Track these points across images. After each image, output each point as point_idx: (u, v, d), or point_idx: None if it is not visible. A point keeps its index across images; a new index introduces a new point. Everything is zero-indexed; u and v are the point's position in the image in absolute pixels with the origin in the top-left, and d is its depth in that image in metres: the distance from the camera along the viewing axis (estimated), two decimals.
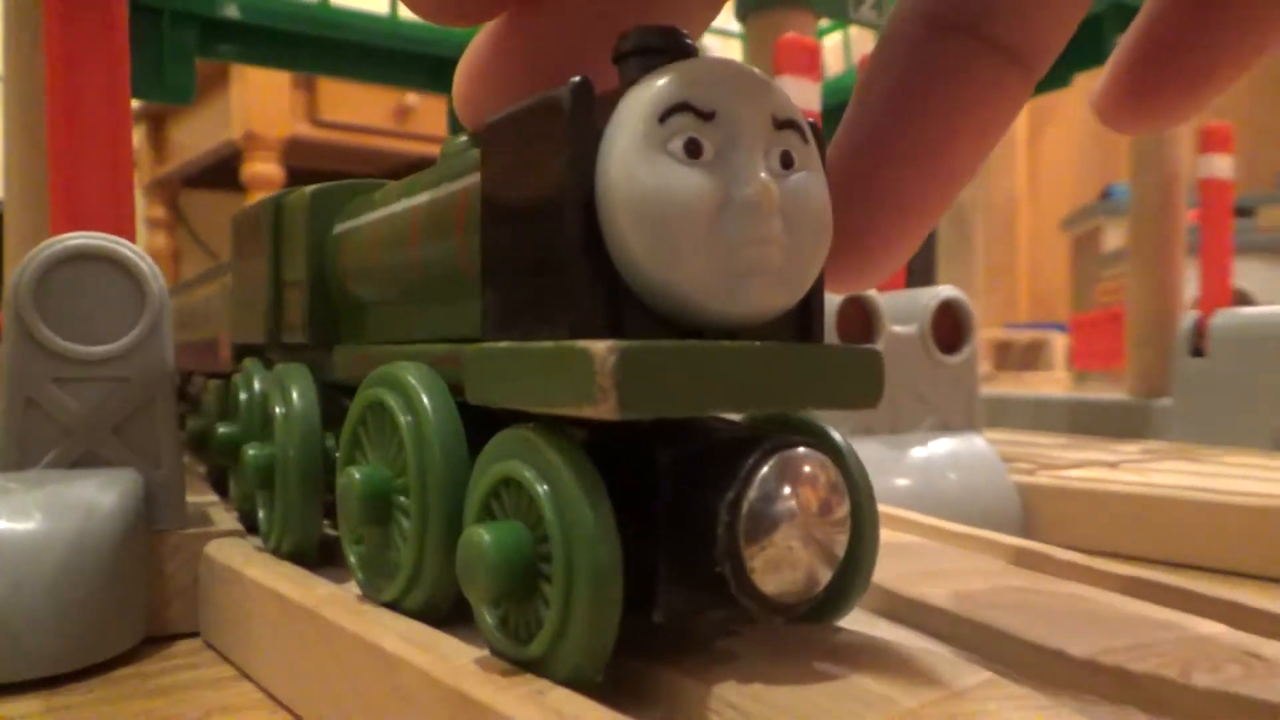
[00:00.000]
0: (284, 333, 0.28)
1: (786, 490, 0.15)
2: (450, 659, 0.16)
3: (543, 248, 0.16)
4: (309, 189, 0.27)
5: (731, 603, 0.15)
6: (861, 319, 0.41)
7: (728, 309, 0.15)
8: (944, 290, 0.42)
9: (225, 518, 0.29)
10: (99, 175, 0.32)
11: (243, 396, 0.29)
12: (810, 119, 0.17)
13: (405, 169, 0.28)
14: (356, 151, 1.51)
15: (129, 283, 0.26)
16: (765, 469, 0.15)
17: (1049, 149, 2.81)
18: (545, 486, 0.15)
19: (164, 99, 0.58)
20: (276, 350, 0.29)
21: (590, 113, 0.15)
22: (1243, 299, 1.40)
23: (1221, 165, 0.60)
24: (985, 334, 2.37)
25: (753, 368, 0.15)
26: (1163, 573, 0.21)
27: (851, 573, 0.17)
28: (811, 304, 0.17)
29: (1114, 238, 1.69)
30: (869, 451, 0.40)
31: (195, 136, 1.51)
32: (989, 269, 2.90)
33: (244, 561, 0.24)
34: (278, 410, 0.25)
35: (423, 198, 0.22)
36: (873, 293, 0.41)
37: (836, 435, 0.18)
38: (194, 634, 0.27)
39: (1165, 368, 0.61)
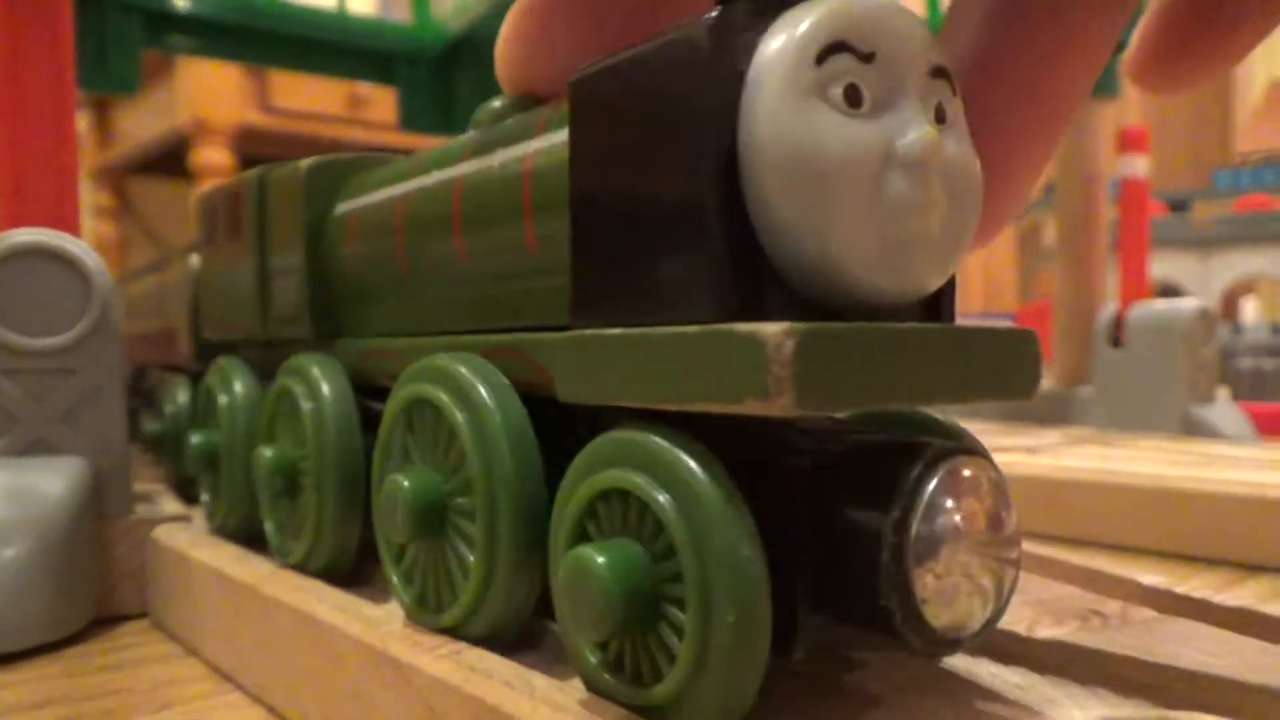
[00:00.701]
0: (273, 326, 0.25)
1: (959, 504, 0.13)
2: (378, 625, 0.18)
3: (668, 215, 0.13)
4: (304, 162, 0.24)
5: (888, 638, 0.13)
6: None
7: (887, 283, 0.13)
8: None
9: (171, 503, 0.30)
10: (43, 167, 0.33)
11: (222, 400, 0.26)
12: None
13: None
14: (310, 140, 1.50)
15: (75, 277, 0.27)
16: (934, 481, 0.13)
17: None
18: (667, 496, 0.13)
19: (108, 89, 0.58)
20: (260, 347, 0.27)
21: (733, 53, 0.13)
22: (1173, 290, 1.45)
23: (1138, 165, 0.63)
24: None
25: (928, 353, 0.13)
26: (1059, 549, 0.23)
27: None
28: (945, 285, 0.15)
29: (1054, 232, 1.74)
30: None
31: (142, 123, 1.49)
32: None
33: (190, 544, 0.26)
34: (305, 407, 0.21)
35: (463, 169, 0.19)
36: None
37: (960, 429, 0.16)
38: (142, 615, 0.28)
39: (1087, 358, 0.64)
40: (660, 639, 0.13)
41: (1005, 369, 0.14)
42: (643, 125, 0.14)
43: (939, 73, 0.14)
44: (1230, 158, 2.30)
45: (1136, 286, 0.64)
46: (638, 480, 0.13)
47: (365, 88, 1.46)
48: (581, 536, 0.14)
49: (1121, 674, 0.16)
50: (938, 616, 0.13)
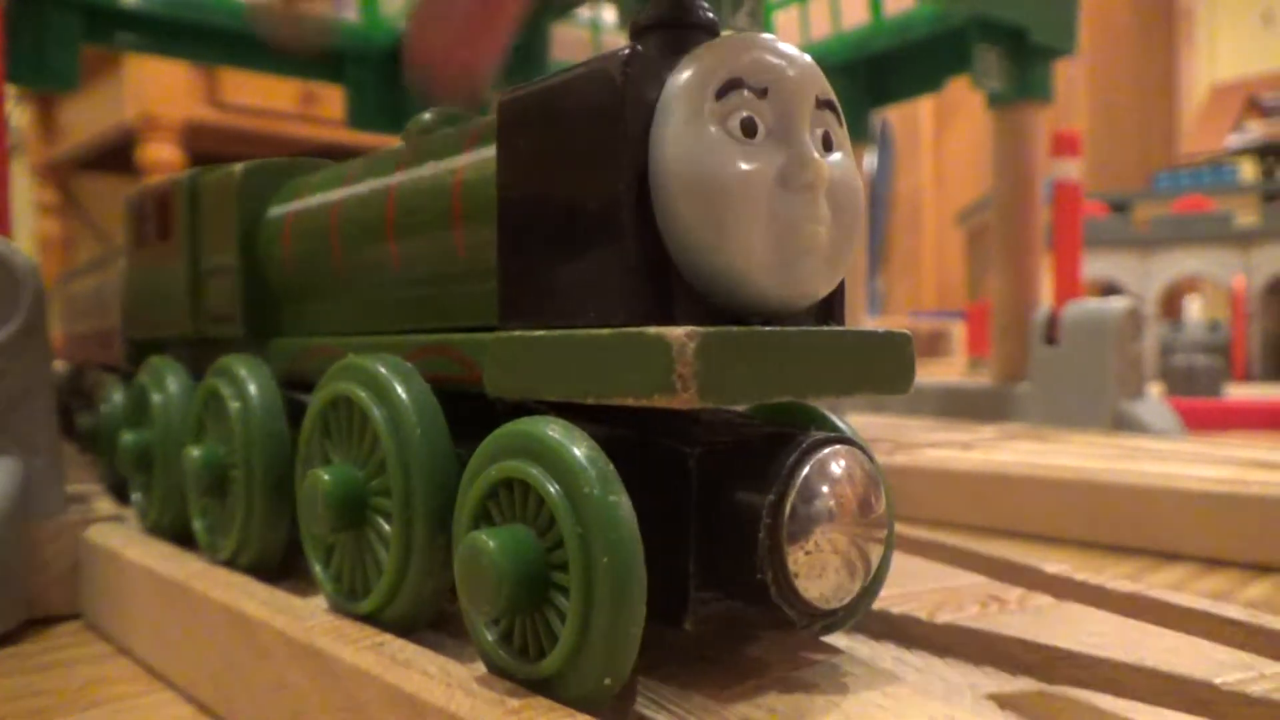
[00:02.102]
0: (205, 325, 0.26)
1: (829, 489, 0.14)
2: (304, 619, 0.18)
3: (586, 228, 0.15)
4: (238, 166, 0.25)
5: (766, 610, 0.14)
6: None
7: (781, 291, 0.15)
8: None
9: (104, 503, 0.30)
10: None
11: (155, 399, 0.26)
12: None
13: (313, 155, 0.26)
14: (260, 136, 1.48)
15: (3, 278, 0.27)
16: (808, 467, 0.14)
17: (953, 145, 2.92)
18: (556, 486, 0.14)
19: (46, 85, 0.57)
20: (191, 346, 0.27)
21: (644, 85, 0.14)
22: (1114, 289, 1.49)
23: (1070, 169, 0.65)
24: (892, 322, 2.46)
25: (818, 353, 0.15)
26: (985, 540, 0.24)
27: (876, 577, 0.16)
28: (836, 291, 0.17)
29: None
30: None
31: (88, 118, 1.46)
32: (897, 259, 2.99)
33: (123, 544, 0.26)
34: (233, 406, 0.22)
35: (398, 178, 0.20)
36: None
37: (845, 424, 0.17)
38: (75, 616, 0.28)
39: (1024, 355, 0.66)
40: (546, 619, 0.14)
41: (884, 367, 0.16)
42: (564, 145, 0.15)
43: (826, 105, 0.15)
44: (1174, 160, 2.36)
45: (1070, 286, 0.66)
46: (533, 472, 0.14)
47: (316, 84, 1.44)
48: (483, 520, 0.15)
49: (1011, 654, 0.17)
50: (809, 589, 0.14)
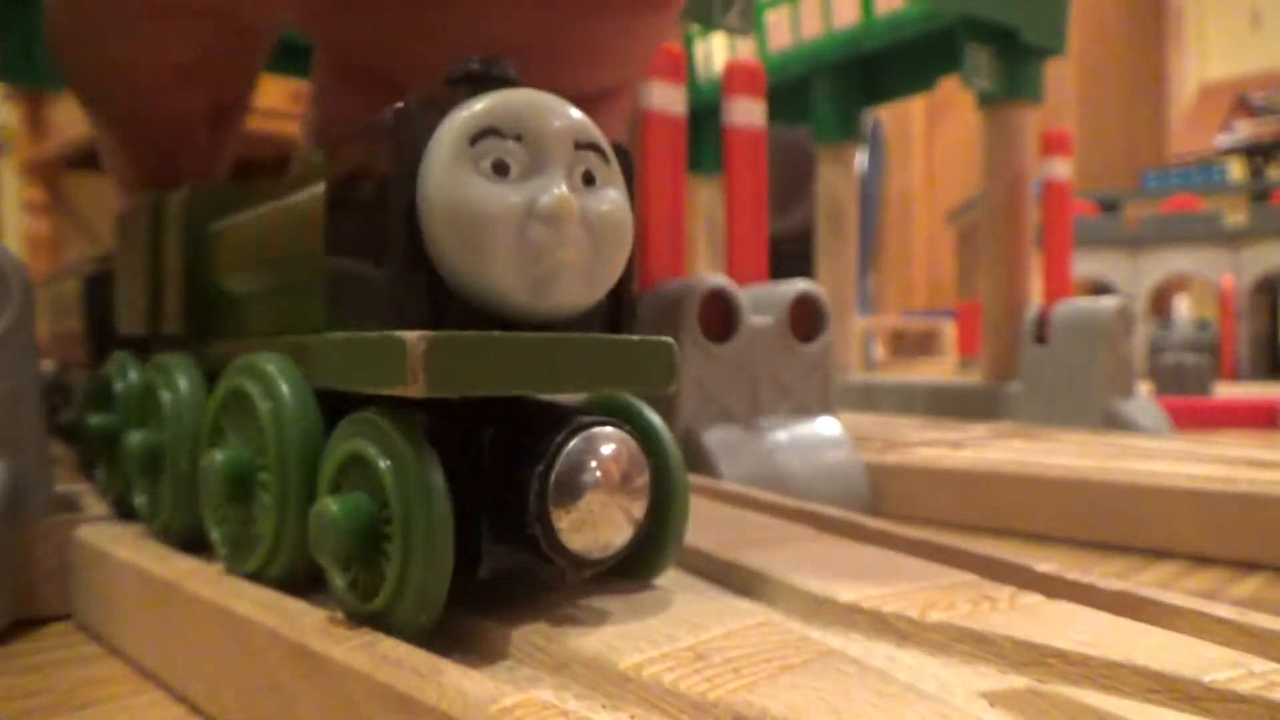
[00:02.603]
0: (162, 324, 0.29)
1: (590, 463, 0.17)
2: (295, 618, 0.18)
3: (373, 251, 0.18)
4: (183, 189, 0.28)
5: (545, 560, 0.18)
6: (722, 311, 0.43)
7: (534, 305, 0.18)
8: (800, 284, 0.46)
9: (93, 503, 0.30)
10: None
11: (117, 388, 0.29)
12: (615, 143, 0.19)
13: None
14: (251, 134, 1.47)
15: None
16: (571, 444, 0.17)
17: (944, 143, 2.93)
18: (387, 461, 0.17)
19: (35, 83, 0.57)
20: (153, 343, 0.30)
21: (411, 133, 0.17)
22: (1103, 289, 1.50)
23: (1061, 168, 0.65)
24: (883, 322, 2.47)
25: (549, 354, 0.17)
26: (973, 538, 0.24)
27: (662, 535, 0.20)
28: (621, 300, 0.20)
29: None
30: (728, 434, 0.43)
31: (76, 117, 1.45)
32: (888, 258, 3.00)
33: (112, 543, 0.26)
34: (164, 397, 0.25)
35: (283, 202, 0.23)
36: (734, 287, 0.44)
37: (649, 414, 0.21)
38: (65, 617, 0.28)
39: (1014, 354, 0.66)
40: (379, 567, 0.18)
41: (639, 368, 0.19)
42: (359, 181, 0.18)
43: (589, 147, 0.18)
44: (1163, 160, 2.38)
45: (1060, 285, 0.66)
46: (370, 450, 0.17)
47: (307, 83, 1.43)
48: (336, 490, 0.19)
49: (1003, 653, 0.17)
50: (572, 541, 0.17)
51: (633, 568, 0.21)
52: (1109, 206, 1.64)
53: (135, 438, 0.25)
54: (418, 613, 0.17)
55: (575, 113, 0.18)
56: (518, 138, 0.17)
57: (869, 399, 0.79)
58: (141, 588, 0.23)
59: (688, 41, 0.85)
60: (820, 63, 0.76)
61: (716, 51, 0.86)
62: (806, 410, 0.46)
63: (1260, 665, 0.16)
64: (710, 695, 0.15)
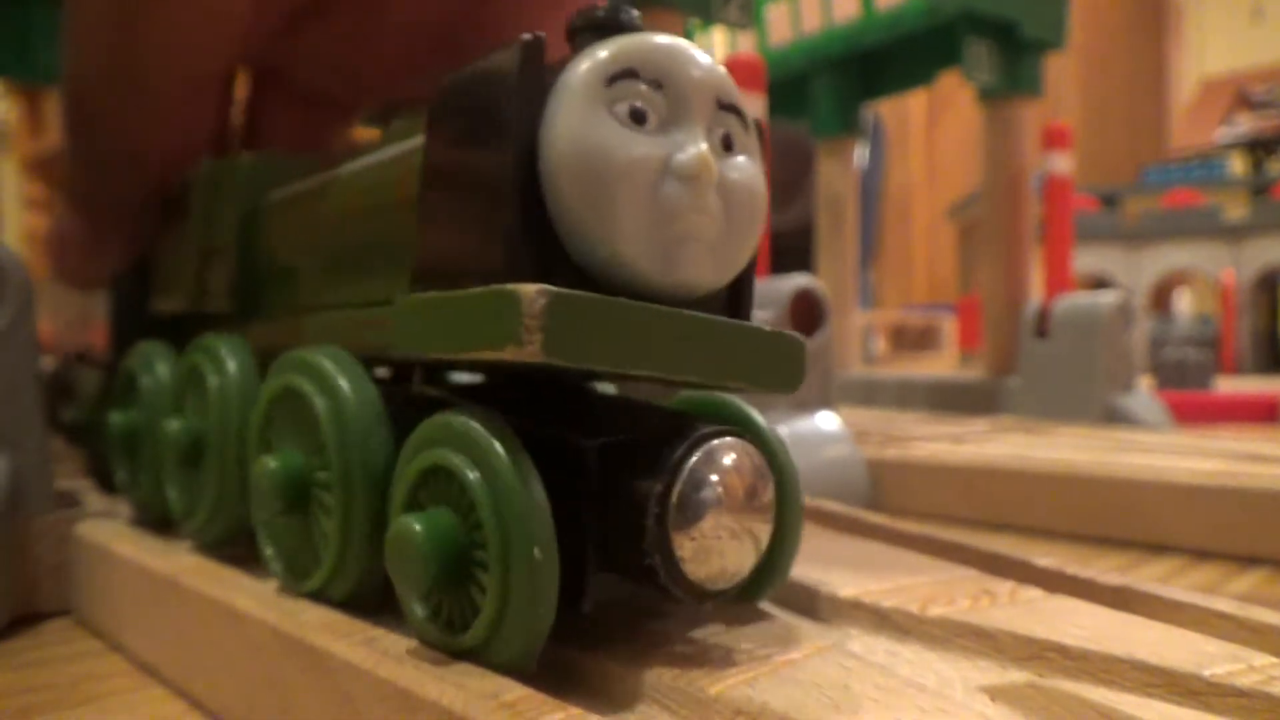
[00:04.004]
0: (208, 300, 0.27)
1: (714, 479, 0.15)
2: (296, 614, 0.18)
3: (481, 202, 0.16)
4: (244, 156, 0.26)
5: (659, 591, 0.15)
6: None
7: (661, 276, 0.15)
8: (800, 279, 0.46)
9: (93, 499, 0.30)
10: None
11: (144, 381, 0.27)
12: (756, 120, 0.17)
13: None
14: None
15: None
16: (693, 459, 0.15)
17: (944, 139, 2.92)
18: (476, 473, 0.15)
19: (32, 78, 0.57)
20: (197, 321, 0.27)
21: (538, 71, 0.15)
22: (1103, 283, 1.50)
23: (1062, 162, 0.65)
24: (883, 317, 2.47)
25: (679, 334, 0.15)
26: (974, 533, 0.24)
27: (777, 554, 0.18)
28: (742, 287, 0.17)
29: None
30: None
31: None
32: (889, 253, 3.00)
33: (112, 539, 0.25)
34: (211, 382, 0.23)
35: (365, 163, 0.21)
36: None
37: (762, 421, 0.18)
38: (65, 613, 0.28)
39: (1015, 349, 0.66)
40: (469, 595, 0.15)
41: (768, 363, 0.16)
42: (471, 126, 0.16)
43: (730, 109, 0.16)
44: (1164, 154, 2.37)
45: (1061, 279, 0.66)
46: (456, 460, 0.15)
47: None
48: (414, 506, 0.16)
49: (1003, 647, 0.17)
50: (695, 572, 0.15)
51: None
52: (1109, 201, 1.64)
53: (174, 425, 0.23)
54: (517, 652, 0.15)
55: (720, 68, 0.16)
56: (657, 84, 0.15)
57: (869, 394, 0.79)
58: (142, 584, 0.23)
59: (687, 36, 0.84)
60: (820, 57, 0.76)
61: (716, 46, 0.86)
62: (806, 405, 0.46)
63: (1260, 660, 0.16)
64: (710, 690, 0.15)
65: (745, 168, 0.16)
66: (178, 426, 0.23)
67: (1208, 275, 1.51)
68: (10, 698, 0.21)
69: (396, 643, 0.17)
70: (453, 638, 0.16)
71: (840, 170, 0.78)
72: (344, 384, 0.18)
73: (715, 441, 0.15)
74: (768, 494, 0.16)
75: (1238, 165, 1.81)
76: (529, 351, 0.14)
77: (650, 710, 0.15)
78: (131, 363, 0.28)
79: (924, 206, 2.97)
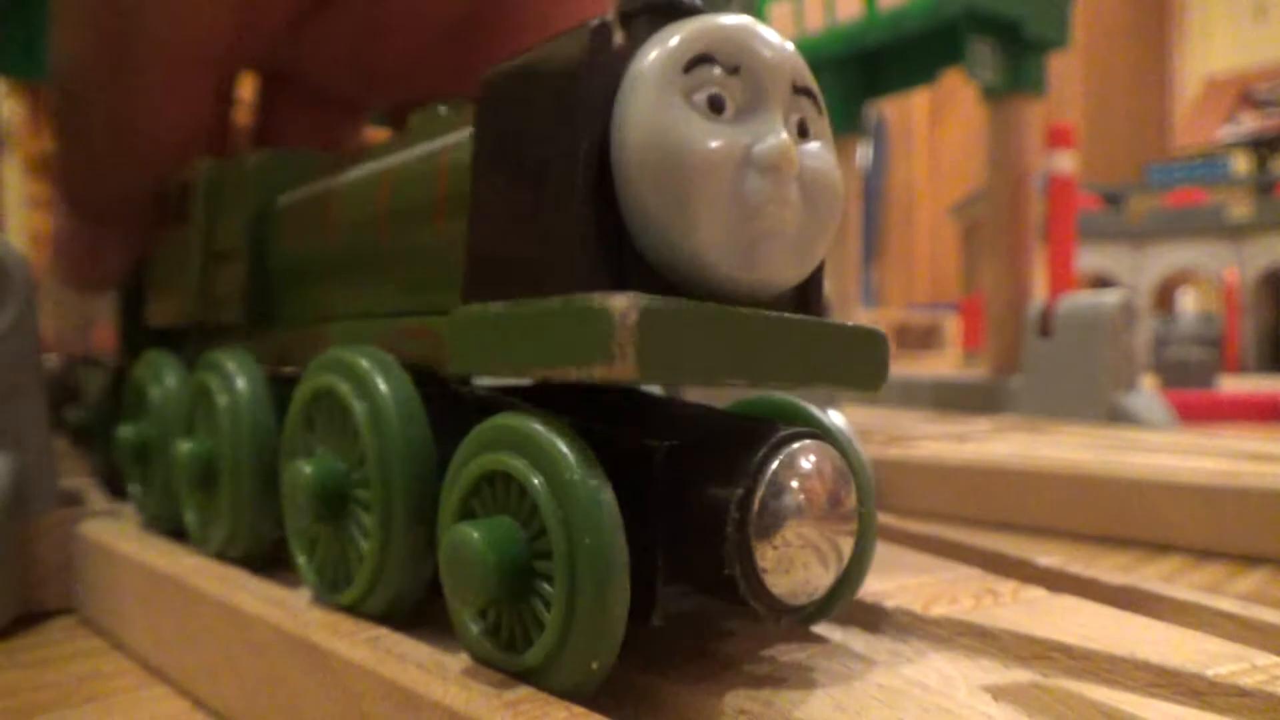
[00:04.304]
0: (213, 311, 0.25)
1: (796, 485, 0.14)
2: (299, 614, 0.18)
3: (547, 202, 0.14)
4: (252, 155, 0.25)
5: (736, 604, 0.14)
6: None
7: (741, 274, 0.14)
8: None
9: (96, 498, 0.30)
10: None
11: (154, 393, 0.26)
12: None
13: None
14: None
15: None
16: (775, 463, 0.14)
17: (947, 138, 2.92)
18: (539, 478, 0.14)
19: (37, 77, 0.57)
20: (200, 333, 0.26)
21: (609, 58, 0.14)
22: (1107, 282, 1.50)
23: (1064, 161, 0.65)
24: (886, 315, 2.47)
25: (773, 338, 0.14)
26: (978, 533, 0.24)
27: (852, 568, 0.16)
28: (812, 282, 0.16)
29: None
30: None
31: None
32: (891, 252, 3.00)
33: (116, 538, 0.26)
34: (220, 401, 0.22)
35: (391, 160, 0.20)
36: None
37: (832, 421, 0.17)
38: (69, 612, 0.28)
39: (1018, 348, 0.66)
40: (532, 609, 0.14)
41: (853, 362, 0.15)
42: (531, 119, 0.15)
43: (805, 92, 0.15)
44: (1168, 153, 2.37)
45: (1064, 279, 0.66)
46: (517, 464, 0.14)
47: None
48: (467, 514, 0.15)
49: (1006, 647, 0.17)
50: (777, 584, 0.14)
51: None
52: (1113, 200, 1.64)
53: (185, 448, 0.22)
54: (583, 672, 0.14)
55: (791, 47, 0.15)
56: (734, 69, 0.14)
57: (871, 394, 0.79)
58: (145, 583, 0.23)
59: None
60: (823, 56, 0.76)
61: None
62: (810, 404, 0.46)
63: (1263, 659, 0.16)
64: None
65: (822, 155, 0.15)
66: (189, 449, 0.22)
67: (1211, 274, 1.50)
68: (14, 696, 0.22)
69: (400, 642, 0.17)
70: (512, 657, 0.15)
71: (843, 169, 0.78)
72: (382, 385, 0.17)
73: (797, 444, 0.14)
74: (851, 500, 0.15)
75: (1241, 164, 1.81)
76: (621, 370, 0.13)
77: (651, 711, 0.15)
78: (140, 373, 0.27)
79: (927, 205, 2.97)
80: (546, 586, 0.14)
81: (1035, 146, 0.65)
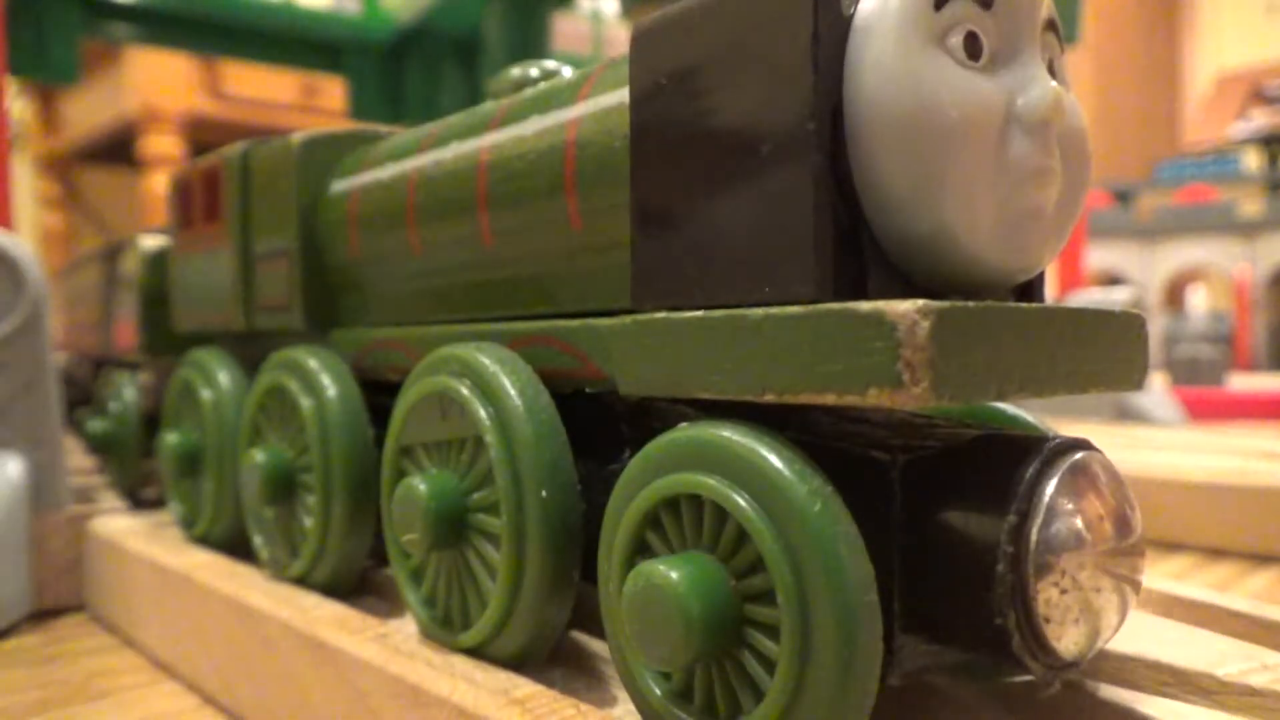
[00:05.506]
0: (257, 316, 0.22)
1: (1081, 509, 0.11)
2: (308, 611, 0.18)
3: (754, 182, 0.11)
4: (296, 136, 0.22)
5: (1002, 661, 0.11)
6: None
7: (999, 261, 0.12)
8: None
9: (106, 496, 0.30)
10: None
11: (205, 396, 0.23)
12: None
13: None
14: (262, 128, 1.47)
15: (4, 271, 0.27)
16: (1053, 482, 0.11)
17: None
18: (748, 498, 0.11)
19: (47, 77, 0.57)
20: (239, 339, 0.24)
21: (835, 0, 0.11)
22: (1117, 280, 1.49)
23: None
24: None
25: (1052, 340, 0.11)
26: None
27: None
28: None
29: None
30: None
31: (90, 111, 1.46)
32: None
33: (126, 535, 0.26)
34: (305, 404, 0.19)
35: (491, 140, 0.17)
36: None
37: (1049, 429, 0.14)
38: (79, 609, 0.28)
39: None
40: (742, 668, 0.11)
41: (1116, 356, 0.12)
42: (725, 79, 0.12)
43: (1051, 26, 0.13)
44: (1178, 149, 2.36)
45: (1074, 276, 0.66)
46: (710, 483, 0.11)
47: (317, 75, 1.44)
48: (642, 549, 0.12)
49: None
50: (1060, 637, 0.11)
51: None
52: (1122, 197, 1.63)
53: (258, 457, 0.19)
54: None
55: None
56: (989, 2, 0.11)
57: None
58: (156, 580, 0.23)
59: None
60: None
61: None
62: None
63: (1273, 659, 0.16)
64: None
65: (1078, 109, 0.13)
66: (264, 461, 0.20)
67: (1222, 271, 1.49)
68: (25, 693, 0.22)
69: (408, 639, 0.17)
70: None
71: None
72: (509, 387, 0.14)
73: (1076, 456, 0.11)
74: (1139, 524, 0.12)
75: (1253, 161, 1.80)
76: (911, 395, 0.10)
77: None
78: (186, 374, 0.24)
79: None
80: (764, 639, 0.11)
81: None
